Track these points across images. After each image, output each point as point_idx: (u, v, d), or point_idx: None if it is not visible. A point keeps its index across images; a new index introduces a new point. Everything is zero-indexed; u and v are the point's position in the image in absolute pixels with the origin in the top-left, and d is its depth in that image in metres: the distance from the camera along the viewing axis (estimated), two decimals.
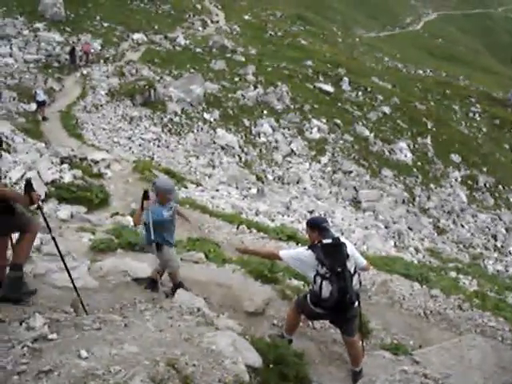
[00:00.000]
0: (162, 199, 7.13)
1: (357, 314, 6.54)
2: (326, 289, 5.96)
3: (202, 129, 31.76)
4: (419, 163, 36.39)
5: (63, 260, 6.05)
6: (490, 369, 7.19)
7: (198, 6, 54.65)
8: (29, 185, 5.68)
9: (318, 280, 6.00)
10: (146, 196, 7.21)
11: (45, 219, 6.18)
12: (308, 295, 6.42)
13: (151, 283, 7.49)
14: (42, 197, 13.38)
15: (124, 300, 6.16)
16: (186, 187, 21.34)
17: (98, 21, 42.94)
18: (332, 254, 6.00)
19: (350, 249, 6.22)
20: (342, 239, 6.28)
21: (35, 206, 5.86)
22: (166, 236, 7.27)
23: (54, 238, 6.10)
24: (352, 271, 6.08)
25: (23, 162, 15.45)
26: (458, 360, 7.45)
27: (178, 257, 7.75)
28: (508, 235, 31.58)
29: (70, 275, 5.95)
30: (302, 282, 9.43)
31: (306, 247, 6.26)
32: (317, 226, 6.33)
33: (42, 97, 26.73)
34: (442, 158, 37.63)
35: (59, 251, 6.05)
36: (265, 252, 7.17)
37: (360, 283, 6.28)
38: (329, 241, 6.11)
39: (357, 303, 6.33)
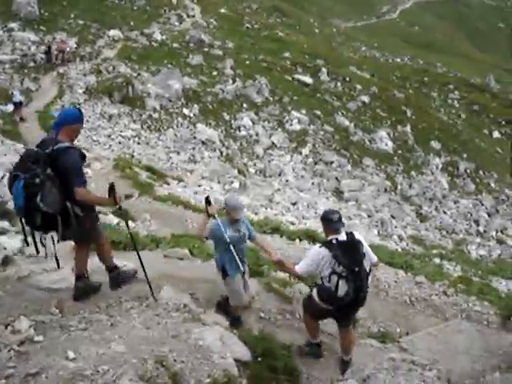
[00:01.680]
0: (228, 217, 6.78)
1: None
2: (343, 288, 5.95)
3: (181, 124, 31.67)
4: (400, 151, 36.63)
5: (139, 256, 6.24)
6: (477, 353, 7.26)
7: (174, 1, 54.27)
8: (112, 188, 6.04)
9: (334, 278, 5.96)
10: (208, 201, 6.82)
11: (126, 221, 7.26)
12: (314, 293, 6.39)
13: (235, 321, 6.91)
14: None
15: (110, 299, 6.12)
16: (168, 183, 21.27)
17: (73, 19, 42.51)
18: (349, 253, 6.02)
19: (365, 246, 6.26)
20: (357, 235, 6.29)
21: (117, 206, 6.16)
22: (230, 264, 6.76)
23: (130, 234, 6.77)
24: (368, 270, 6.10)
25: (1, 164, 15.28)
26: (444, 345, 7.51)
27: (244, 289, 7.11)
28: (490, 220, 31.91)
29: (143, 268, 6.19)
30: (288, 275, 9.44)
31: (320, 245, 6.27)
32: (325, 218, 6.39)
33: (18, 97, 26.48)
34: (422, 145, 37.90)
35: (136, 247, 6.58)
36: (291, 270, 6.59)
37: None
38: (344, 238, 6.15)
39: None
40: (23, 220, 5.67)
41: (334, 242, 6.10)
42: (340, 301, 6.03)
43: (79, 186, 5.75)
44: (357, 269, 5.93)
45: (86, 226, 6.02)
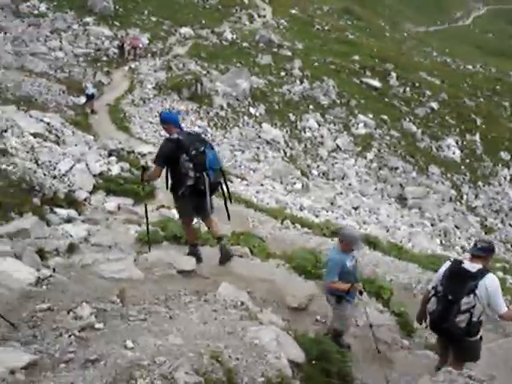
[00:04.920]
0: (345, 247, 6.70)
1: (463, 344, 6.28)
2: (432, 305, 6.18)
3: (247, 123, 31.81)
4: (467, 160, 35.76)
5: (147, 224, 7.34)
6: None
7: (245, 1, 54.61)
8: (144, 169, 7.88)
9: (432, 292, 6.25)
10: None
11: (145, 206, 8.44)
12: None
13: (336, 338, 6.98)
14: (90, 189, 13.65)
15: (169, 292, 6.19)
16: (231, 181, 21.41)
17: (146, 15, 43.36)
18: (452, 281, 6.04)
19: (485, 290, 5.85)
20: (470, 268, 6.00)
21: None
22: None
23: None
24: (465, 308, 5.89)
25: (72, 155, 15.71)
26: (503, 362, 7.30)
27: (352, 316, 7.24)
28: None
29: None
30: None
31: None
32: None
33: (90, 90, 27.16)
34: (491, 155, 36.88)
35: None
36: None
37: (469, 323, 5.95)
38: (457, 265, 6.14)
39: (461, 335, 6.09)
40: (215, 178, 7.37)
41: (448, 263, 6.28)
42: (429, 314, 6.29)
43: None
44: (450, 297, 5.94)
45: None
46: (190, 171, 7.09)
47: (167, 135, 7.57)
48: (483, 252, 6.08)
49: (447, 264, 6.23)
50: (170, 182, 7.46)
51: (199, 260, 7.82)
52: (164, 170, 7.44)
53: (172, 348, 4.45)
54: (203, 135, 7.79)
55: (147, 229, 8.19)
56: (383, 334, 7.20)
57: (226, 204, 7.69)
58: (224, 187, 7.60)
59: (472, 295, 5.80)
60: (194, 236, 8.18)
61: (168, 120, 7.67)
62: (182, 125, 7.93)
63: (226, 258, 7.96)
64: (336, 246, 6.94)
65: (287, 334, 5.63)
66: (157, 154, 7.44)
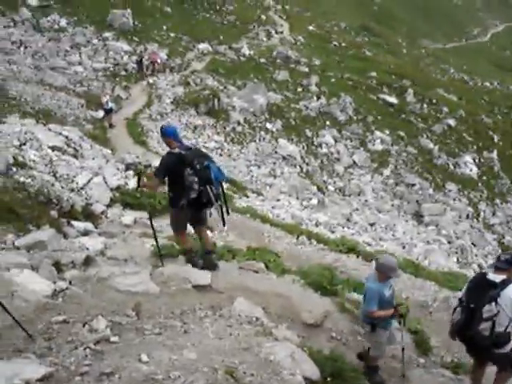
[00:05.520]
0: (383, 276, 6.69)
1: (493, 356, 6.36)
2: (457, 314, 6.40)
3: (264, 138, 31.88)
4: (485, 178, 35.54)
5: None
6: None
7: (263, 17, 54.96)
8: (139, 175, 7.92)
9: (457, 303, 6.45)
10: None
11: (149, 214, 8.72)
12: None
13: (372, 372, 7.01)
14: (107, 202, 13.70)
15: (184, 306, 6.20)
16: (247, 196, 21.42)
17: (165, 31, 43.77)
18: (475, 290, 6.19)
19: (509, 300, 5.91)
20: (493, 278, 6.12)
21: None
22: (384, 318, 6.78)
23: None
24: (487, 316, 5.96)
25: (90, 168, 15.80)
26: None
27: (386, 344, 7.16)
28: None
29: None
30: (362, 296, 9.31)
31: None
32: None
33: (109, 104, 27.38)
34: (509, 172, 36.64)
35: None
36: None
37: (493, 331, 6.01)
38: (484, 277, 6.25)
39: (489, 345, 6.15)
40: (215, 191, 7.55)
41: (475, 276, 6.55)
42: (453, 325, 6.47)
43: None
44: (472, 305, 6.07)
45: None
46: (194, 184, 7.32)
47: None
48: (507, 264, 6.12)
49: (472, 276, 6.37)
50: (170, 194, 7.69)
51: (195, 266, 7.96)
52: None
53: (187, 363, 4.45)
54: (202, 149, 8.26)
55: (155, 239, 8.22)
56: (399, 352, 7.12)
57: (222, 212, 7.85)
58: (222, 198, 7.81)
59: (494, 303, 5.85)
60: (189, 243, 8.30)
61: (169, 134, 7.79)
62: (185, 140, 8.28)
63: (208, 267, 7.99)
64: (373, 274, 6.88)
65: (302, 351, 5.60)
66: (158, 166, 7.72)
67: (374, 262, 7.14)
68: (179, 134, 7.99)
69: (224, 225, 8.10)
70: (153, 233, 8.12)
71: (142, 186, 7.86)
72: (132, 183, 16.42)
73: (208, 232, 8.45)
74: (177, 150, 7.47)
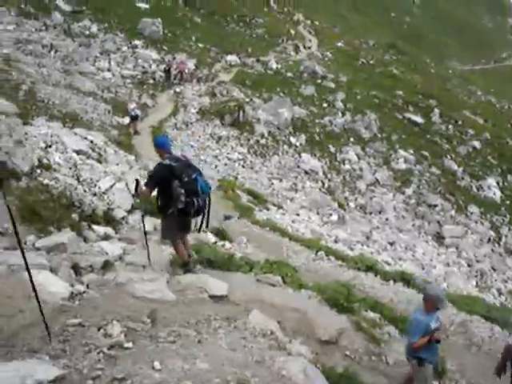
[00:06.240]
0: (430, 308, 6.57)
1: None
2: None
3: (287, 152, 31.88)
4: (508, 202, 35.12)
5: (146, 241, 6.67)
6: None
7: (292, 32, 55.19)
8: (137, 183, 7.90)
9: None
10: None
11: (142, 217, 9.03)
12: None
13: None
14: (128, 208, 13.75)
15: (199, 316, 6.19)
16: (268, 209, 21.41)
17: (194, 41, 44.14)
18: None
19: None
20: None
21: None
22: (430, 351, 6.64)
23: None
24: None
25: (113, 173, 15.91)
26: None
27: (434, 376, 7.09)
28: None
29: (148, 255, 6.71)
30: (379, 315, 9.23)
31: None
32: None
33: (135, 111, 27.62)
34: None
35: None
36: None
37: None
38: None
39: None
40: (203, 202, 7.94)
41: None
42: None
43: None
44: None
45: None
46: (181, 196, 7.65)
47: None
48: None
49: None
50: (160, 202, 8.02)
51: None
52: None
53: (199, 373, 4.44)
54: (190, 160, 8.39)
55: (146, 243, 8.69)
56: None
57: (202, 222, 8.21)
58: (206, 210, 8.15)
59: None
60: (184, 253, 8.45)
61: (161, 145, 8.22)
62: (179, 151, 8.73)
63: (185, 271, 8.29)
64: (420, 305, 6.74)
65: (315, 367, 5.56)
66: (149, 176, 8.19)
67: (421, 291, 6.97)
68: (169, 144, 8.42)
69: (199, 231, 8.69)
70: (144, 237, 8.64)
71: (138, 193, 8.05)
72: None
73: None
74: (167, 162, 7.80)
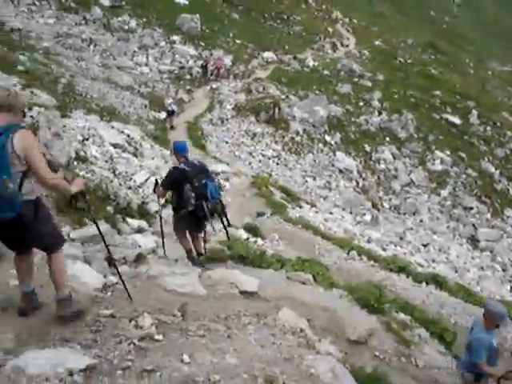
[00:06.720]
0: (490, 325, 6.48)
1: None
2: None
3: (321, 150, 31.76)
4: None
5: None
6: None
7: (330, 30, 54.91)
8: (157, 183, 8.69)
9: None
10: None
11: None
12: None
13: None
14: (162, 202, 13.91)
15: (229, 311, 6.21)
16: (301, 207, 21.37)
17: (231, 38, 44.25)
18: None
19: None
20: None
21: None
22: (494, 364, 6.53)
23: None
24: None
25: (148, 167, 16.09)
26: None
27: None
28: None
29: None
30: (409, 317, 9.15)
31: None
32: None
33: (172, 107, 27.85)
34: None
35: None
36: None
37: None
38: None
39: None
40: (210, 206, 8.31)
41: None
42: None
43: None
44: None
45: None
46: (191, 199, 8.15)
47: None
48: None
49: None
50: (174, 202, 8.59)
51: (194, 263, 8.59)
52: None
53: (227, 367, 4.46)
54: (206, 166, 9.08)
55: (162, 243, 9.27)
56: (443, 378, 6.97)
57: (224, 226, 8.96)
58: (224, 219, 8.87)
59: None
60: (189, 245, 8.84)
61: (179, 150, 8.79)
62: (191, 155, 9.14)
63: (197, 265, 8.57)
64: (480, 322, 6.62)
65: (344, 367, 5.53)
66: (164, 178, 8.76)
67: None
68: (186, 150, 8.89)
69: (228, 238, 9.75)
70: (161, 235, 9.26)
71: (156, 192, 8.68)
72: None
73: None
74: (182, 166, 8.36)
